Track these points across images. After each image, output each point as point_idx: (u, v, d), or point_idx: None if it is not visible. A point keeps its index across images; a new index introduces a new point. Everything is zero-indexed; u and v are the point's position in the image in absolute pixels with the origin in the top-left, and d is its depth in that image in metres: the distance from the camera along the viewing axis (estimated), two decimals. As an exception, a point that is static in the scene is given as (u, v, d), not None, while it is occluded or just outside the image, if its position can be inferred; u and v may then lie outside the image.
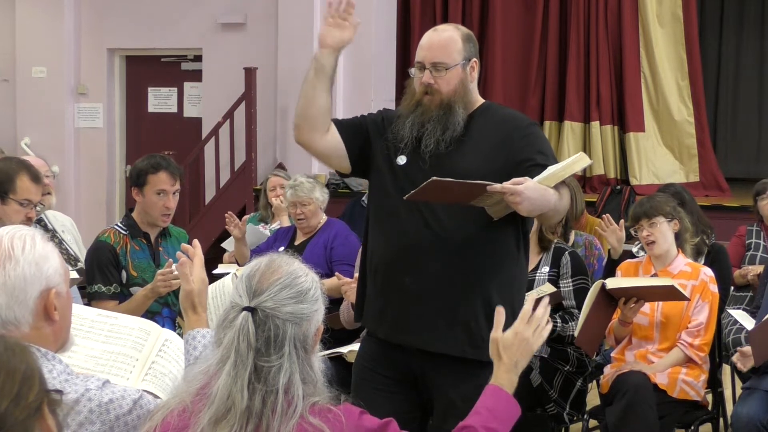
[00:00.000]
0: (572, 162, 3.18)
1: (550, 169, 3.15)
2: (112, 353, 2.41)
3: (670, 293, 4.40)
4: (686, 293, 4.53)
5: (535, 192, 3.02)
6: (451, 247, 3.26)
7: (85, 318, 2.49)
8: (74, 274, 4.18)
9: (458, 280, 3.24)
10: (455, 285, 3.25)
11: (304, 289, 2.17)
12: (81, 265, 4.79)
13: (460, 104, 3.31)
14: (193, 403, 2.13)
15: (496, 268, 3.28)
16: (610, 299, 4.45)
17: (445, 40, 3.33)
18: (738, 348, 4.39)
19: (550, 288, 4.48)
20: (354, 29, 3.31)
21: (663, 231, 4.61)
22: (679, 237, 4.69)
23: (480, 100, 3.42)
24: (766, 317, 4.24)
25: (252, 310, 2.12)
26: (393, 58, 10.35)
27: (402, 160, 3.33)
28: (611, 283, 4.42)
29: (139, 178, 4.47)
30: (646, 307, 4.56)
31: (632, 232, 4.75)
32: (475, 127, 3.33)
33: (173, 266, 4.33)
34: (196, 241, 2.69)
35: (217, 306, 4.01)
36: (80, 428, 2.04)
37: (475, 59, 3.38)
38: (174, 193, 4.50)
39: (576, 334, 4.41)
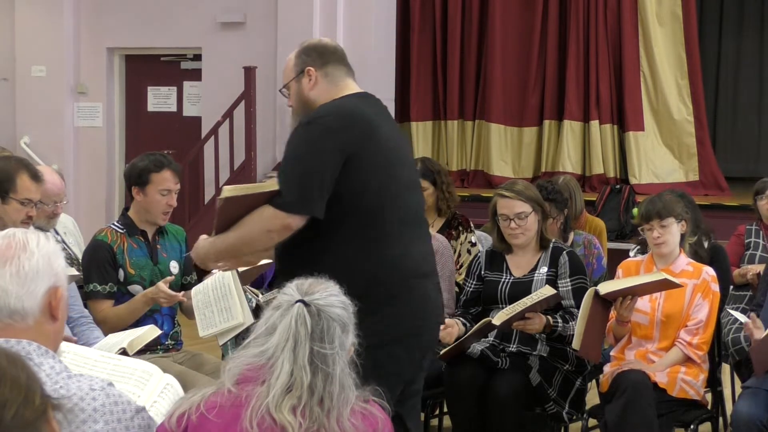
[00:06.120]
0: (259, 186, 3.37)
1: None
2: None
3: (662, 285, 4.40)
4: (687, 292, 4.54)
5: (203, 249, 3.38)
6: (277, 257, 3.43)
7: (88, 358, 2.53)
8: (72, 271, 4.18)
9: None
10: None
11: (347, 302, 2.38)
12: None
13: (301, 117, 3.41)
14: (241, 388, 2.26)
15: (303, 262, 3.23)
16: (604, 303, 4.45)
17: (285, 65, 3.50)
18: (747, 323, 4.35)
19: (550, 290, 4.47)
20: None
21: (673, 232, 4.61)
22: (683, 238, 4.70)
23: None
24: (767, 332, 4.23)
25: (305, 303, 2.30)
26: (392, 57, 10.35)
27: None
28: (603, 288, 4.42)
29: (141, 177, 4.48)
30: (647, 306, 4.57)
31: (640, 231, 4.75)
32: None
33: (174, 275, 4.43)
34: None
35: (218, 297, 4.02)
36: (83, 425, 2.04)
37: (309, 68, 3.42)
38: (175, 192, 4.53)
39: (575, 346, 4.39)
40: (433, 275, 3.48)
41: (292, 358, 2.25)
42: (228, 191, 3.24)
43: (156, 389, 2.46)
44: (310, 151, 3.25)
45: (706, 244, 5.44)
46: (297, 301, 2.30)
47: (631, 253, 5.47)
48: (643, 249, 4.98)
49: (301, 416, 2.22)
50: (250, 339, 2.36)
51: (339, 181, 3.23)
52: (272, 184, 3.27)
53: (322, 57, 3.42)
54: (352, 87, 3.45)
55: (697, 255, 5.17)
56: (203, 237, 3.44)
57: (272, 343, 2.28)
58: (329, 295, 2.34)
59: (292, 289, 2.35)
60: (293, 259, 3.32)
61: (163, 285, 4.30)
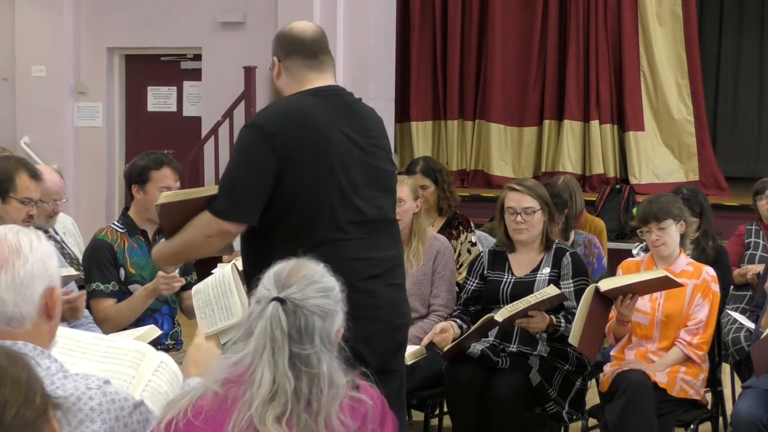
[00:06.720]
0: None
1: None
2: (108, 371, 2.41)
3: (663, 283, 4.40)
4: (687, 292, 4.54)
5: (155, 253, 3.47)
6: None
7: (80, 341, 2.52)
8: (71, 271, 4.18)
9: None
10: None
11: (329, 286, 2.29)
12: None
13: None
14: (228, 388, 2.20)
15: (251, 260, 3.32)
16: (605, 301, 4.45)
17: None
18: None
19: (554, 290, 4.46)
20: None
21: (672, 233, 4.61)
22: (683, 237, 4.70)
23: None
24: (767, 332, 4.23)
25: (281, 300, 2.22)
26: (392, 57, 10.35)
27: None
28: (604, 284, 4.41)
29: (141, 175, 4.50)
30: (648, 306, 4.57)
31: (638, 233, 4.74)
32: None
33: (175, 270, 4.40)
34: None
35: (218, 296, 4.02)
36: (80, 425, 2.03)
37: (275, 57, 3.35)
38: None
39: (573, 341, 4.38)
40: (387, 276, 3.30)
41: (272, 364, 2.17)
42: (164, 197, 3.25)
43: (150, 368, 2.44)
44: (245, 156, 3.21)
45: (710, 243, 5.45)
46: (272, 299, 2.22)
47: (634, 251, 5.47)
48: (647, 247, 4.98)
49: (287, 426, 2.15)
50: (232, 341, 2.32)
51: (278, 183, 3.16)
52: (212, 188, 3.25)
53: (286, 49, 3.32)
54: (313, 82, 3.31)
55: (703, 252, 5.18)
56: (163, 241, 3.48)
57: (250, 348, 2.21)
58: (308, 284, 2.24)
59: (269, 281, 2.26)
60: (247, 260, 3.33)
61: (162, 272, 4.30)
